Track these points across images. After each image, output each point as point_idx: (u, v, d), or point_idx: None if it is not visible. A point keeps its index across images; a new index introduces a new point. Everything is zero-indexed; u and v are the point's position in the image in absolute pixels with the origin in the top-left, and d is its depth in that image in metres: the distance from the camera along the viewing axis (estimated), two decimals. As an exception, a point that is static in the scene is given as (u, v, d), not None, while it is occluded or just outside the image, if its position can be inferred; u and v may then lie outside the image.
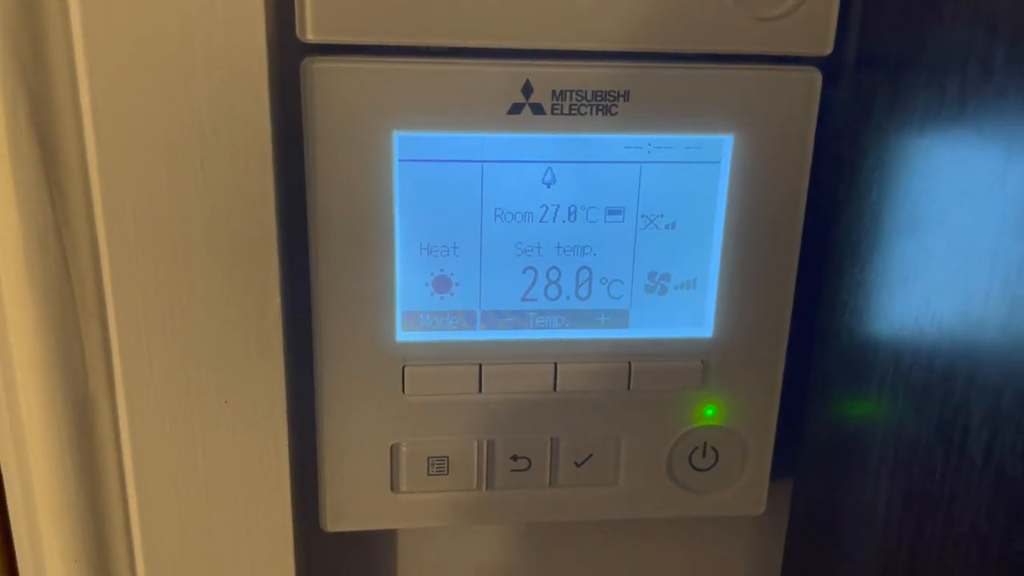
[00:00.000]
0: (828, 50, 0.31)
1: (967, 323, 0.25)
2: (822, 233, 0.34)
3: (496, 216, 0.32)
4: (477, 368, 0.34)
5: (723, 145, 0.32)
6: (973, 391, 0.25)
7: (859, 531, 0.31)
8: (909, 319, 0.28)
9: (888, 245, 0.29)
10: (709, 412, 0.36)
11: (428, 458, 0.35)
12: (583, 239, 0.33)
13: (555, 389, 0.34)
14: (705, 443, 0.36)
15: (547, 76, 0.31)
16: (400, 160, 0.31)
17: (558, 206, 0.33)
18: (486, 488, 0.36)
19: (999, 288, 0.24)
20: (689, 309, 0.34)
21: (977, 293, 0.24)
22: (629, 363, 0.35)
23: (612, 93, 0.31)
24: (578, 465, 0.36)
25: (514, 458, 0.36)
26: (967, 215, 0.25)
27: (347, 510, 0.35)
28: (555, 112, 0.31)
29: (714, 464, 0.37)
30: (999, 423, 0.24)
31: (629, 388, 0.35)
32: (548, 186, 0.32)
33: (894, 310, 0.29)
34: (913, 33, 0.28)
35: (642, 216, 0.33)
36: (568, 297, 0.34)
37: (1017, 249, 0.23)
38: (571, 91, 0.31)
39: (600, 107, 0.31)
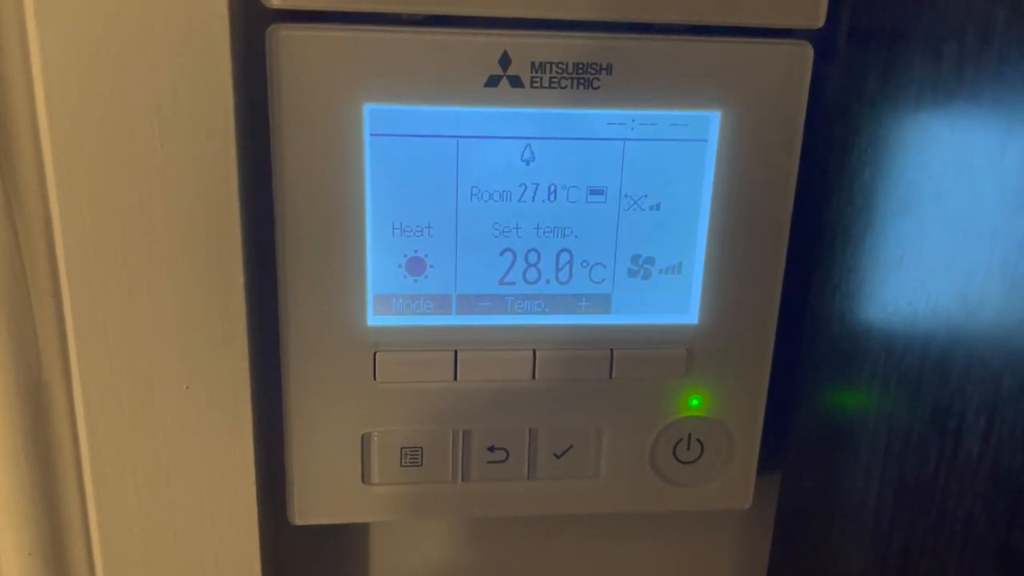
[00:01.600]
0: (820, 23, 0.30)
1: (964, 305, 0.24)
2: (813, 215, 0.33)
3: (472, 195, 0.31)
4: (452, 354, 0.32)
5: (710, 122, 0.31)
6: (970, 377, 0.23)
7: (850, 524, 0.30)
8: (903, 303, 0.27)
9: (881, 226, 0.28)
10: (694, 402, 0.34)
11: (401, 448, 0.34)
12: (563, 220, 0.32)
13: (534, 377, 0.33)
14: (690, 434, 0.35)
15: (526, 47, 0.29)
16: (371, 134, 0.30)
17: (537, 185, 0.31)
18: (461, 480, 0.34)
19: (999, 268, 0.22)
20: (674, 294, 0.33)
21: (975, 274, 0.23)
22: (611, 350, 0.33)
23: (594, 66, 0.30)
24: (557, 457, 0.35)
25: (491, 449, 0.34)
26: (965, 192, 0.24)
27: (316, 502, 0.34)
28: (534, 85, 0.30)
29: (699, 456, 0.35)
30: (997, 410, 0.22)
31: (611, 376, 0.33)
32: (527, 164, 0.31)
33: (887, 294, 0.27)
34: (909, 1, 0.26)
35: (625, 196, 0.32)
36: (548, 281, 0.32)
37: (1018, 226, 0.22)
38: (551, 63, 0.29)
39: (581, 80, 0.30)
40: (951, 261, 0.24)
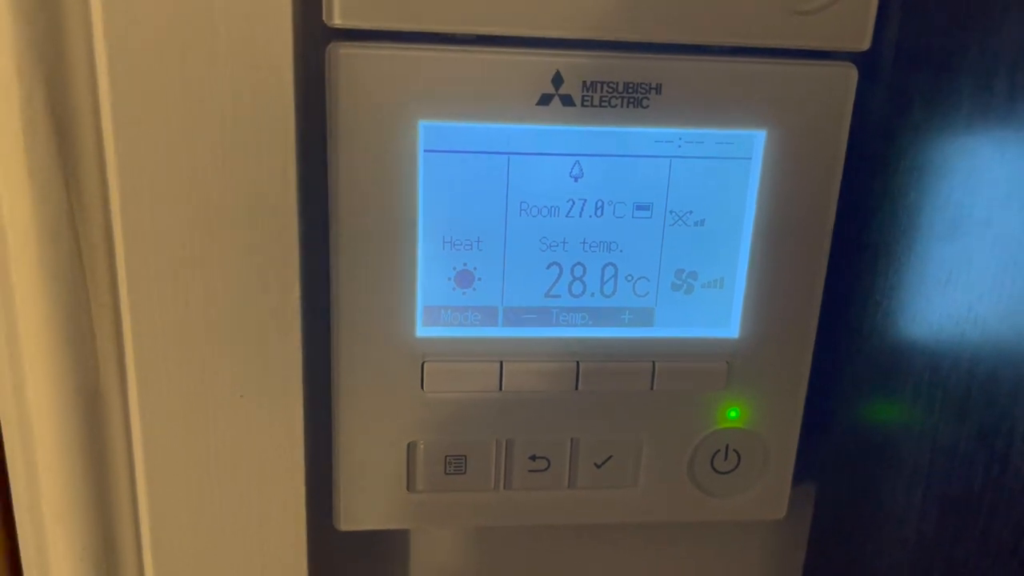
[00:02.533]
0: (866, 45, 0.30)
1: (1013, 327, 0.24)
2: (854, 233, 0.33)
3: (521, 210, 0.32)
4: (498, 365, 0.33)
5: (755, 141, 0.32)
6: (1018, 398, 0.24)
7: (889, 539, 0.31)
8: (949, 323, 0.27)
9: (926, 247, 0.29)
10: (732, 414, 0.35)
11: (445, 457, 0.34)
12: (610, 235, 0.32)
13: (577, 388, 0.34)
14: (727, 446, 0.36)
15: (578, 67, 0.30)
16: (425, 150, 0.30)
17: (585, 200, 0.32)
18: (504, 488, 0.35)
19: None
20: (715, 308, 0.34)
21: (1026, 297, 0.24)
22: (653, 363, 0.34)
23: (644, 85, 0.30)
24: (598, 467, 0.35)
25: (533, 458, 0.35)
26: (1015, 217, 0.24)
27: (361, 509, 0.34)
28: (585, 104, 0.30)
29: (736, 467, 0.36)
30: (1048, 432, 0.23)
31: (652, 388, 0.34)
32: (576, 180, 0.31)
33: (932, 313, 0.28)
34: (958, 28, 0.27)
35: (671, 212, 0.32)
36: (592, 294, 0.33)
37: (1071, 253, 0.22)
38: (602, 83, 0.30)
39: (631, 99, 0.30)
40: (1000, 284, 0.25)
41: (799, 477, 0.37)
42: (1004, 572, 0.24)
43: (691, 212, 0.32)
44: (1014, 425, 0.24)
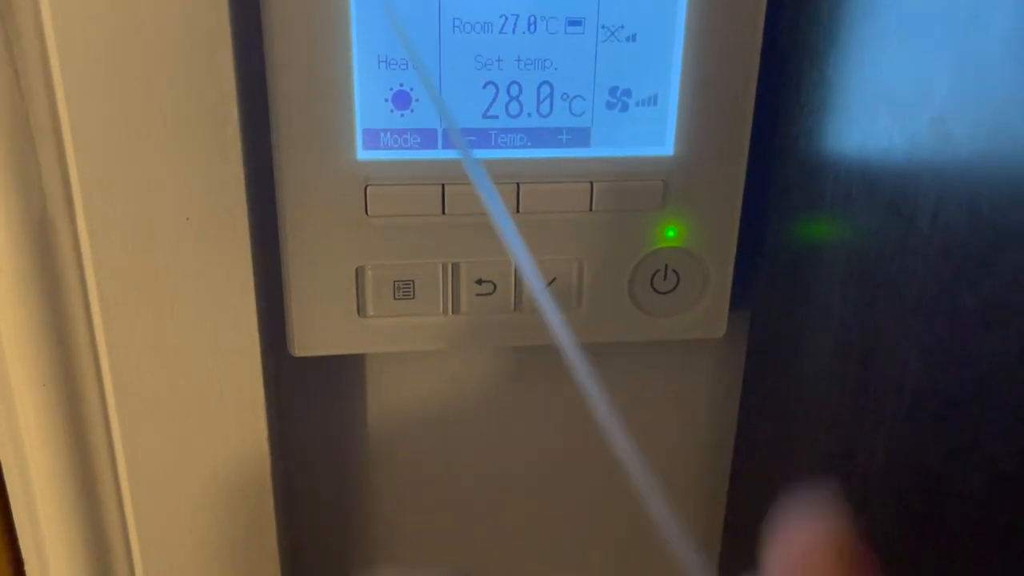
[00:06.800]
0: None
1: (919, 91, 0.25)
2: (783, 43, 0.34)
3: (455, 27, 0.32)
4: (440, 188, 0.34)
5: (682, -48, 0.32)
6: (923, 161, 0.25)
7: (817, 333, 0.32)
8: (867, 107, 0.28)
9: (847, 34, 0.29)
10: (670, 233, 0.36)
11: (394, 282, 0.35)
12: (543, 51, 0.33)
13: (518, 211, 0.35)
14: (666, 265, 0.37)
15: None
16: (355, -36, 0.31)
17: (517, 16, 0.32)
18: (452, 312, 0.36)
19: (950, 49, 0.24)
20: (650, 126, 0.34)
21: (929, 57, 0.25)
22: (591, 183, 0.35)
23: None
24: (542, 289, 0.36)
25: (479, 282, 0.36)
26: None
27: (314, 334, 0.36)
28: (512, -87, 0.31)
29: (675, 287, 0.37)
30: (946, 187, 0.24)
31: (591, 209, 0.35)
32: (506, -6, 0.32)
33: (852, 101, 0.29)
34: None
35: (602, 27, 0.33)
36: (529, 114, 0.34)
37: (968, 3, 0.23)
38: None
39: (557, -92, 0.31)
40: (907, 49, 0.26)
41: (737, 303, 0.38)
42: (912, 321, 0.26)
43: (623, 27, 0.33)
44: (918, 188, 0.25)
